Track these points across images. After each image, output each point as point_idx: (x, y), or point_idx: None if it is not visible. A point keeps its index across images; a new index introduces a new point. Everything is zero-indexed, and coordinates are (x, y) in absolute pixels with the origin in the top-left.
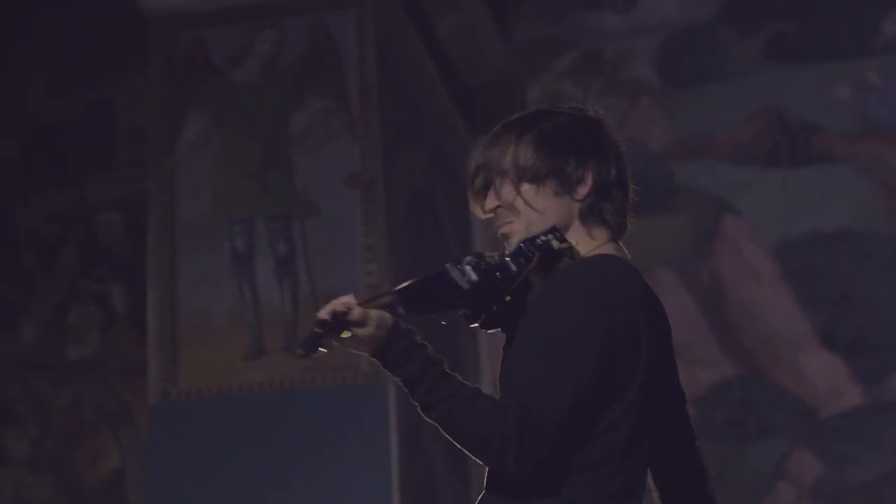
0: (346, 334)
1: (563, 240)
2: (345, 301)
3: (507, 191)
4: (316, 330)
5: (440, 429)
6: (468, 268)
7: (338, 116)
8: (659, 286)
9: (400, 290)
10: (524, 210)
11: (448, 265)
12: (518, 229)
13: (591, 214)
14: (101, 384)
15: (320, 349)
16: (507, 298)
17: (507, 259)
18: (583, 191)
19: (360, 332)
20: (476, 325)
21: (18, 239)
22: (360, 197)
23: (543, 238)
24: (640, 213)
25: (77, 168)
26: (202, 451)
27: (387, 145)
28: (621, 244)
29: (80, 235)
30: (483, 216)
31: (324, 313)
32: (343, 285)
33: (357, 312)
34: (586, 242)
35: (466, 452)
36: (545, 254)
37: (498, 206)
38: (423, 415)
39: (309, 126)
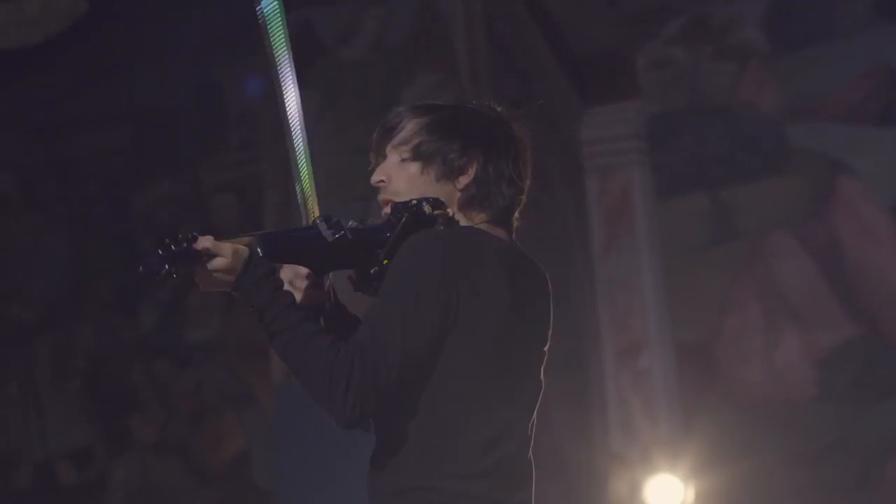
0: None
1: (437, 206)
2: (199, 237)
3: (394, 168)
4: (159, 251)
5: (283, 360)
6: (336, 224)
7: (449, 91)
8: (776, 249)
9: (262, 233)
10: (405, 189)
11: (317, 219)
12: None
13: (469, 204)
14: (222, 367)
15: (172, 275)
16: (385, 262)
17: (381, 224)
18: (464, 180)
19: (216, 262)
20: (359, 288)
21: (134, 225)
22: None
23: (415, 202)
24: (754, 177)
25: (190, 152)
26: (326, 430)
27: None
28: (500, 229)
29: (195, 219)
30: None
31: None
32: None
33: (206, 240)
34: (461, 220)
35: (305, 389)
36: (415, 216)
37: (381, 181)
38: (270, 343)
39: (420, 101)
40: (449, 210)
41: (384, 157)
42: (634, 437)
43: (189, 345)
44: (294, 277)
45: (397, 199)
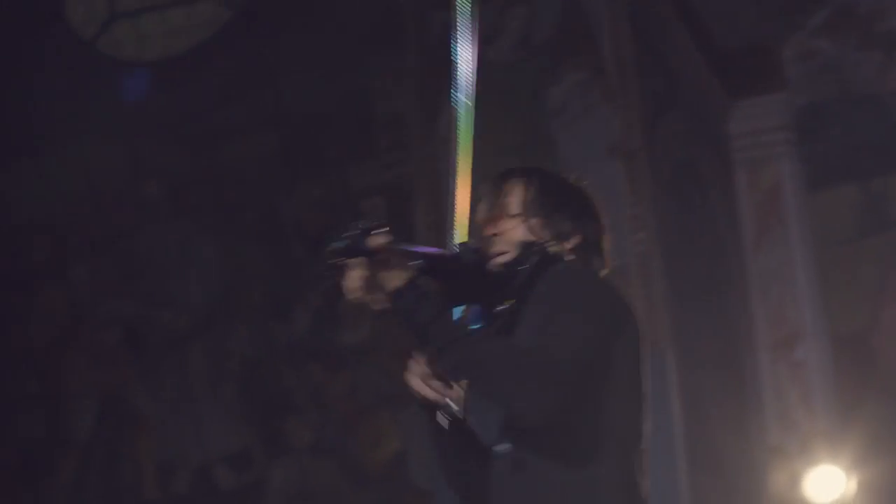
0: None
1: (558, 245)
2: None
3: (507, 224)
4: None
5: (455, 371)
6: (473, 248)
7: (596, 88)
8: None
9: (423, 251)
10: (513, 239)
11: (462, 245)
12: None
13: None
14: (376, 368)
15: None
16: (511, 302)
17: (511, 262)
18: (572, 243)
19: (388, 266)
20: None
21: (285, 231)
22: (623, 167)
23: (540, 242)
24: None
25: (338, 157)
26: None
27: (646, 114)
28: None
29: (345, 223)
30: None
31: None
32: (613, 255)
33: (381, 240)
34: None
35: (481, 392)
36: (543, 255)
37: (495, 234)
38: (438, 360)
39: (567, 99)
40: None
41: (497, 212)
42: (792, 429)
43: (343, 347)
44: None
45: (507, 251)
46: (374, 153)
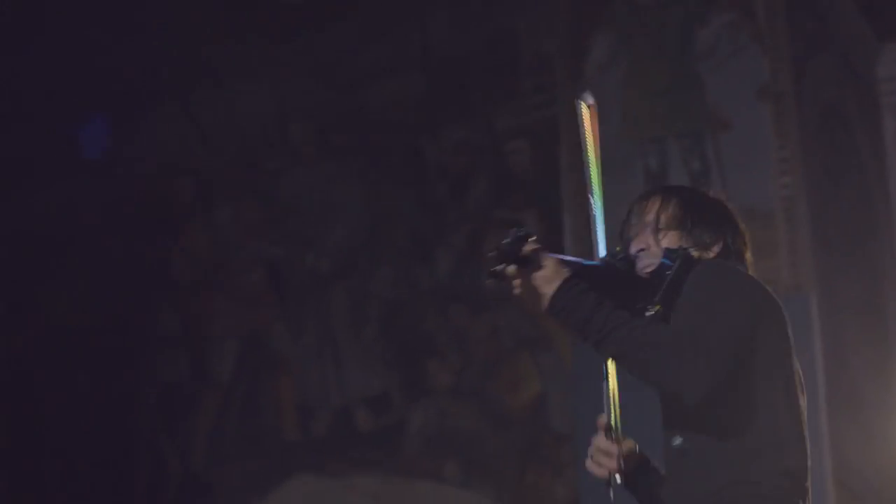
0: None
1: (699, 250)
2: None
3: (653, 237)
4: (496, 257)
5: (618, 358)
6: (628, 260)
7: (744, 29)
8: None
9: (573, 260)
10: (657, 252)
11: (608, 256)
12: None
13: None
14: (517, 311)
15: (500, 278)
16: (658, 306)
17: (663, 265)
18: (714, 251)
19: (542, 272)
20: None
21: (429, 172)
22: (771, 110)
23: (683, 247)
24: None
25: (483, 98)
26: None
27: (796, 56)
28: None
29: (489, 165)
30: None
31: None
32: (759, 199)
33: (531, 247)
34: None
35: (642, 375)
36: (687, 260)
37: (642, 249)
38: (600, 349)
39: (715, 41)
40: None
41: (641, 228)
42: None
43: (485, 289)
44: None
45: (653, 262)
46: (519, 95)
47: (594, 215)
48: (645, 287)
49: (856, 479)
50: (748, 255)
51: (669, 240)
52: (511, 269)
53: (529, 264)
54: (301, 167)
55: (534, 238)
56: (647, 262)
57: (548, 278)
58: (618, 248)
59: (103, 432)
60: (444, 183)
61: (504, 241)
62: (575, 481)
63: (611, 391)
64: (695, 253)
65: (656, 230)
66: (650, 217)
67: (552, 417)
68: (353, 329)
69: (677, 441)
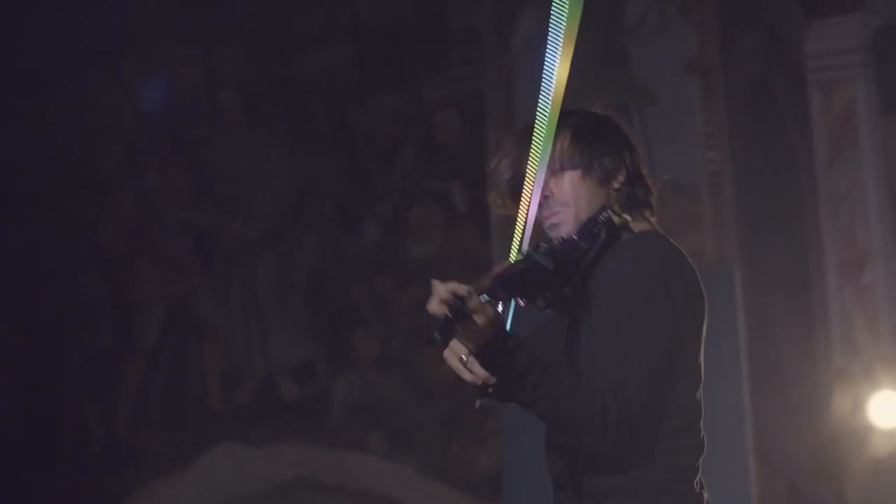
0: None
1: (619, 214)
2: (458, 287)
3: (554, 182)
4: (447, 314)
5: (542, 419)
6: (544, 250)
7: (672, 3)
8: None
9: (496, 276)
10: (573, 199)
11: (529, 250)
12: (567, 219)
13: (630, 204)
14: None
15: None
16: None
17: (576, 238)
18: (619, 181)
19: (478, 321)
20: (548, 309)
21: (357, 141)
22: (698, 84)
23: (605, 215)
24: None
25: (411, 69)
26: None
27: (724, 31)
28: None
29: (417, 135)
30: (512, 209)
31: (444, 296)
32: (685, 173)
33: (476, 300)
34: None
35: (568, 436)
36: (610, 229)
37: (545, 198)
38: (527, 409)
39: (644, 14)
40: (626, 216)
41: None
42: (857, 353)
43: (411, 260)
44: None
45: (565, 212)
46: (447, 66)
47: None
48: (567, 267)
49: (778, 454)
50: (644, 171)
51: (572, 181)
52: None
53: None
54: (229, 135)
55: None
56: (555, 214)
57: (484, 329)
58: (541, 244)
59: (27, 397)
60: (371, 153)
61: (454, 305)
62: (498, 452)
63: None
64: (616, 219)
65: (556, 171)
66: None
67: None
68: (279, 298)
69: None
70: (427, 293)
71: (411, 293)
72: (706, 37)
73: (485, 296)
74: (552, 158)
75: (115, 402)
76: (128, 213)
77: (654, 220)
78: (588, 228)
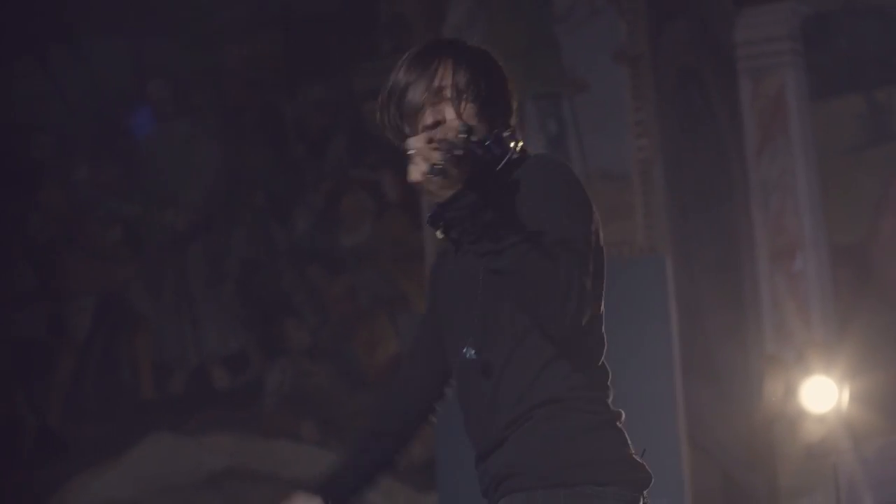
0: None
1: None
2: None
3: (450, 110)
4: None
5: (508, 271)
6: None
7: None
8: None
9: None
10: (453, 125)
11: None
12: None
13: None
14: (375, 271)
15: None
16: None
17: (488, 144)
18: (501, 123)
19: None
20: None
21: (287, 131)
22: (627, 72)
23: (507, 133)
24: None
25: (341, 58)
26: None
27: (652, 19)
28: None
29: (347, 125)
30: (410, 133)
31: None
32: (615, 161)
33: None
34: None
35: (535, 300)
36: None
37: (437, 123)
38: (494, 258)
39: (572, 3)
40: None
41: (435, 98)
42: (789, 339)
43: (342, 249)
44: None
45: (454, 138)
46: (377, 55)
47: None
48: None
49: (710, 440)
50: (513, 121)
51: (468, 113)
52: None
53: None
54: (159, 125)
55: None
56: (442, 138)
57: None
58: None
59: None
60: (302, 142)
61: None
62: (431, 441)
63: None
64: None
65: (454, 100)
66: (443, 83)
67: None
68: (211, 287)
69: (471, 353)
70: (358, 282)
71: (342, 282)
72: (635, 25)
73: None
74: (454, 87)
75: (47, 392)
76: (58, 204)
77: None
78: (501, 138)
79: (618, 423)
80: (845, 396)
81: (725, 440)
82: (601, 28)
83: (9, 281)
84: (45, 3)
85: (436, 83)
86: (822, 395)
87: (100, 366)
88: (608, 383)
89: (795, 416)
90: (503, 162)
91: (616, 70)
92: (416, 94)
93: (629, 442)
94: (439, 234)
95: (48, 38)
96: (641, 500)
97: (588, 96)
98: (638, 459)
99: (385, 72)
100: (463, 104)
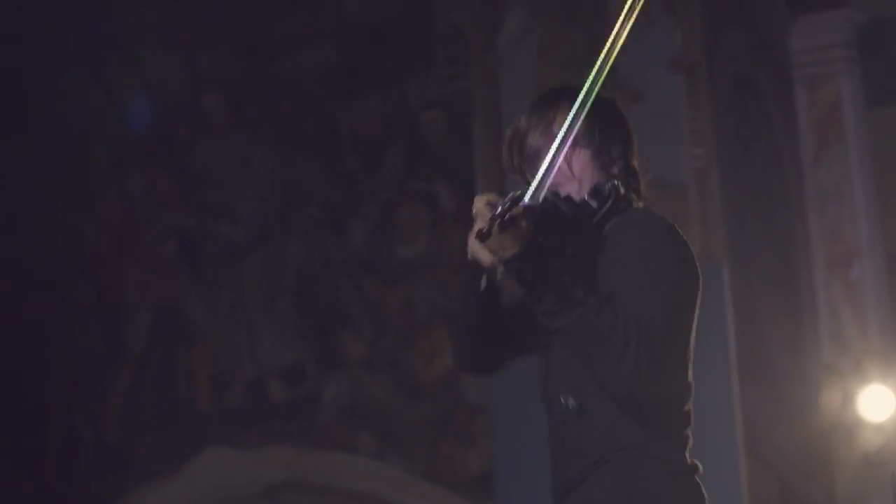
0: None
1: (625, 187)
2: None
3: (566, 155)
4: (496, 219)
5: (564, 333)
6: (563, 197)
7: (657, 1)
8: None
9: (528, 206)
10: (579, 175)
11: (549, 195)
12: (571, 192)
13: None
14: (431, 283)
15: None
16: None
17: (586, 198)
18: (618, 168)
19: (522, 224)
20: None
21: (343, 143)
22: (683, 81)
23: (613, 182)
24: None
25: (397, 69)
26: None
27: (708, 28)
28: None
29: (403, 136)
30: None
31: (491, 199)
32: (671, 170)
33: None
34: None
35: (590, 359)
36: (616, 196)
37: (553, 167)
38: (550, 320)
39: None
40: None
41: (549, 140)
42: (846, 348)
43: (398, 260)
44: None
45: (569, 184)
46: (433, 66)
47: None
48: (573, 230)
49: (767, 449)
50: (636, 164)
51: (582, 158)
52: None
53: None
54: (215, 138)
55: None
56: (563, 186)
57: (514, 240)
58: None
59: (16, 401)
60: (357, 154)
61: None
62: (489, 453)
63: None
64: (622, 189)
65: (570, 146)
66: (557, 130)
67: (466, 389)
68: (267, 300)
69: (572, 403)
70: (414, 294)
71: (399, 294)
72: (691, 34)
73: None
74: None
75: (104, 406)
76: (114, 218)
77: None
78: (598, 190)
79: (695, 476)
80: None
81: (783, 449)
82: (657, 37)
83: (66, 295)
84: (101, 14)
85: (553, 130)
86: (880, 403)
87: (156, 379)
88: (687, 431)
89: (853, 425)
90: (600, 214)
91: (672, 79)
92: (533, 140)
93: (705, 496)
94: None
95: (104, 50)
96: None
97: (643, 105)
98: None
99: (441, 82)
100: (575, 150)
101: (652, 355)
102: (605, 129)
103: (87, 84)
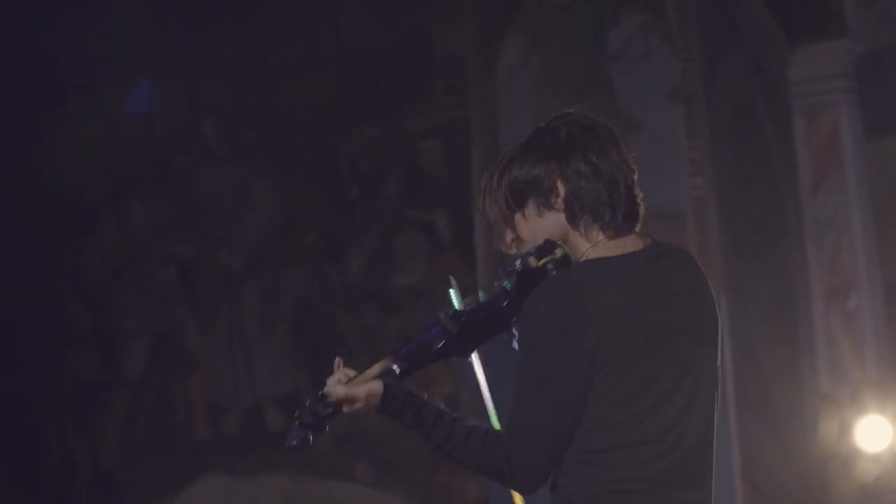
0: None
1: (544, 253)
2: (331, 386)
3: (508, 227)
4: (302, 421)
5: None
6: (456, 315)
7: (655, 31)
8: None
9: (394, 350)
10: (529, 239)
11: (440, 313)
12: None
13: (577, 221)
14: (429, 312)
15: (315, 434)
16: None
17: (497, 295)
18: (560, 198)
19: (355, 407)
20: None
21: (341, 171)
22: (681, 111)
23: (519, 262)
24: None
25: (395, 97)
26: None
27: (706, 58)
28: (627, 237)
29: (401, 164)
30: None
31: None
32: (669, 200)
33: (339, 389)
34: (583, 245)
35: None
36: (523, 277)
37: (513, 240)
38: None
39: (626, 43)
40: (557, 250)
41: (500, 225)
42: (844, 378)
43: (396, 289)
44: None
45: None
46: (431, 95)
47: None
48: (493, 318)
49: (764, 478)
50: (594, 187)
51: (519, 222)
52: (326, 427)
53: (340, 411)
54: (213, 165)
55: (335, 384)
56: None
57: (366, 408)
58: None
59: (13, 428)
60: (355, 182)
61: (305, 413)
62: (485, 482)
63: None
64: (533, 262)
65: (507, 215)
66: (498, 204)
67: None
68: (265, 327)
69: None
70: (412, 322)
71: (396, 322)
72: (689, 64)
73: (395, 365)
74: (499, 203)
75: (101, 433)
76: (111, 245)
77: (603, 244)
78: (509, 272)
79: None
80: None
81: (780, 479)
82: (655, 67)
83: (64, 321)
84: (99, 44)
85: (494, 207)
86: (877, 433)
87: (154, 406)
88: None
89: (850, 455)
90: (511, 298)
91: (670, 109)
92: (490, 213)
93: None
94: None
95: (103, 78)
96: None
97: (642, 135)
98: None
99: (439, 110)
100: (512, 226)
101: (528, 464)
102: (515, 183)
103: (85, 112)
